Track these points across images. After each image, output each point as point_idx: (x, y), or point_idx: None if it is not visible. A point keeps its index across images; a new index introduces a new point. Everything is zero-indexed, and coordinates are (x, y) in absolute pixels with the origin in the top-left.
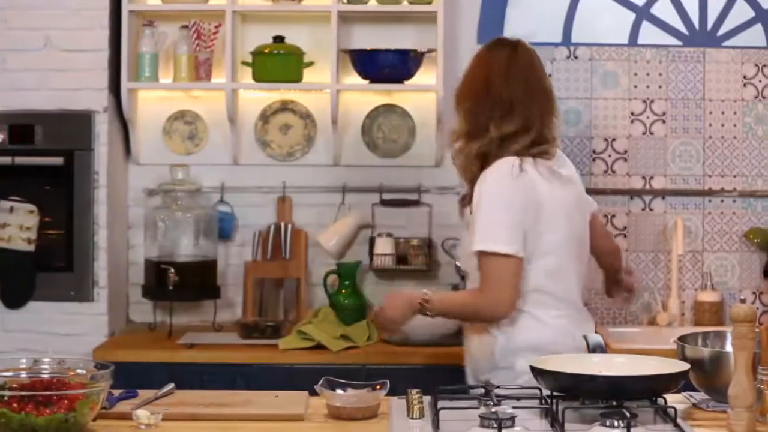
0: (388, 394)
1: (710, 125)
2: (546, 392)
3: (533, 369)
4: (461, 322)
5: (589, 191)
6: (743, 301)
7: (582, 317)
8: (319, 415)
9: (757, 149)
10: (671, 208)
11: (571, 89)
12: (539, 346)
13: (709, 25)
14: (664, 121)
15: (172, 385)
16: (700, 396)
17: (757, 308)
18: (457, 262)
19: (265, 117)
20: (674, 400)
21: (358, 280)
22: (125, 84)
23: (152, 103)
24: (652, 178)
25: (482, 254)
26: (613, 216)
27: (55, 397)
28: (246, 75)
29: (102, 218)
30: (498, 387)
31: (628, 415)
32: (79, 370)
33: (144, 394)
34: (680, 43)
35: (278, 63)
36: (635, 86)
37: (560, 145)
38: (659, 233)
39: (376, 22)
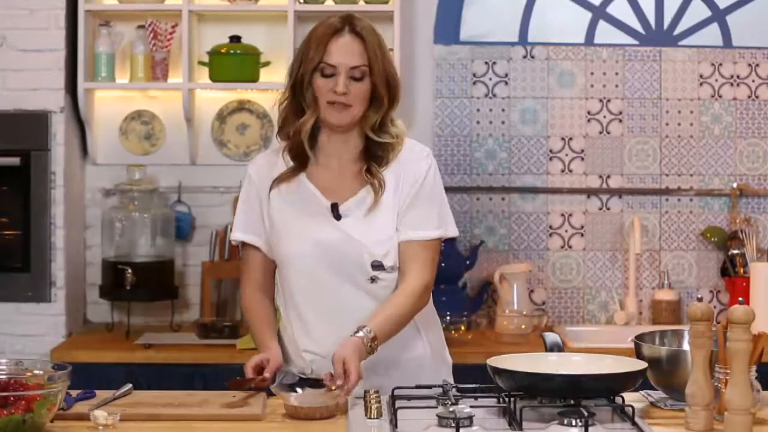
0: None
1: (667, 124)
2: (504, 391)
3: (491, 368)
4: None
5: (547, 190)
6: (700, 299)
7: None
8: (276, 415)
9: (714, 148)
10: (628, 207)
11: (527, 89)
12: None
13: (666, 24)
14: (620, 121)
15: (130, 385)
16: (657, 394)
17: (715, 307)
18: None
19: (221, 117)
20: (632, 398)
21: None
22: (82, 84)
23: (109, 103)
24: (609, 177)
25: (436, 240)
26: (570, 215)
27: (12, 398)
28: (203, 75)
29: (59, 218)
30: (456, 386)
31: (585, 413)
32: (36, 371)
33: (102, 394)
34: (637, 42)
35: (235, 63)
36: (592, 85)
37: None
38: (616, 232)
39: None
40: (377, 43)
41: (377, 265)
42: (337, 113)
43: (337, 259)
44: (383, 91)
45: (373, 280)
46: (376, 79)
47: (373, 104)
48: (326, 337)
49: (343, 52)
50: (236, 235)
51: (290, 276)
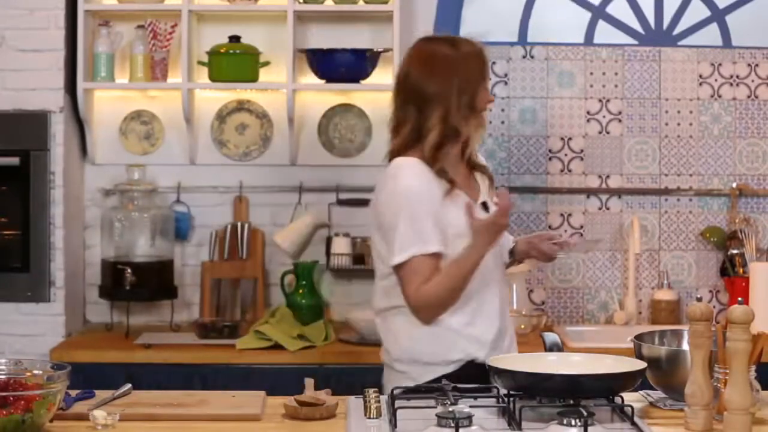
0: (346, 394)
1: (666, 124)
2: (503, 391)
3: (490, 368)
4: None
5: (546, 190)
6: (699, 299)
7: None
8: (276, 415)
9: (713, 148)
10: (627, 207)
11: (527, 89)
12: None
13: (665, 24)
14: (620, 120)
15: (129, 385)
16: (657, 394)
17: (714, 307)
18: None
19: (221, 117)
20: (631, 398)
21: (315, 279)
22: (81, 84)
23: (108, 103)
24: (608, 177)
25: None
26: (570, 215)
27: (11, 398)
28: (202, 75)
29: (58, 218)
30: (455, 386)
31: (585, 413)
32: (35, 371)
33: (101, 394)
34: (636, 42)
35: (234, 63)
36: (591, 85)
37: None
38: (616, 232)
39: (332, 22)
40: None
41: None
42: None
43: (497, 250)
44: None
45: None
46: None
47: None
48: (491, 322)
49: None
50: (436, 247)
51: None
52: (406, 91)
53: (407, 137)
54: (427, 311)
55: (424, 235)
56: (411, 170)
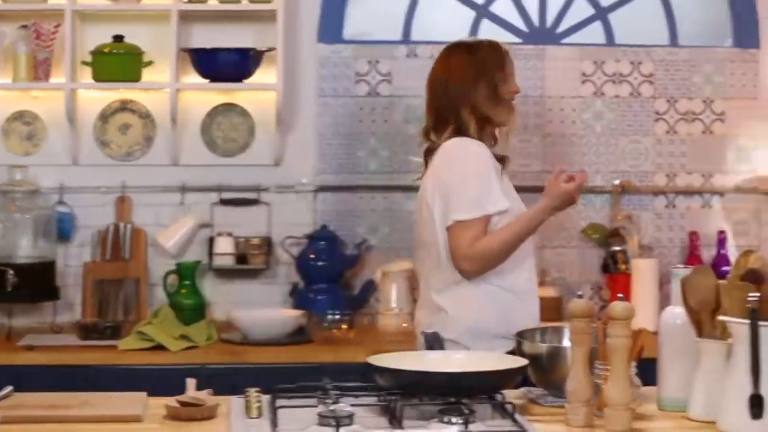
0: (229, 394)
1: (549, 122)
2: (385, 390)
3: (371, 366)
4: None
5: None
6: (580, 296)
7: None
8: (157, 416)
9: (596, 146)
10: None
11: (411, 88)
12: None
13: (549, 22)
14: None
15: (11, 388)
16: (538, 391)
17: (596, 303)
18: None
19: (104, 117)
20: (512, 395)
21: (197, 279)
22: None
23: None
24: None
25: None
26: None
27: None
28: (85, 75)
29: None
30: (337, 385)
31: (466, 411)
32: None
33: None
34: (520, 40)
35: (117, 62)
36: None
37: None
38: None
39: (216, 21)
40: None
41: None
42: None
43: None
44: None
45: None
46: None
47: None
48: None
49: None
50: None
51: None
52: (435, 98)
53: (451, 135)
54: (478, 263)
55: (492, 195)
56: (476, 144)
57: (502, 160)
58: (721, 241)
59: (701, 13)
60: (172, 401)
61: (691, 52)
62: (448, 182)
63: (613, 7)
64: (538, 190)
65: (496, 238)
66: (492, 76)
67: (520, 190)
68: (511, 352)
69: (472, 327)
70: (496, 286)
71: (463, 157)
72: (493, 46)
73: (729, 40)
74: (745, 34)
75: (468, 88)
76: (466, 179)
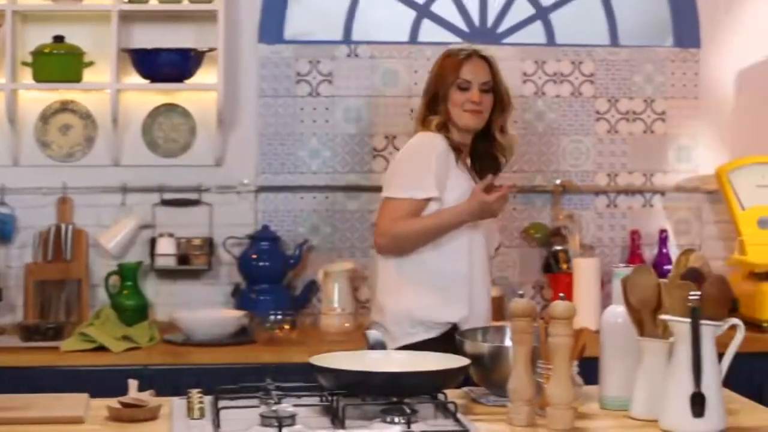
0: (172, 395)
1: None
2: (328, 390)
3: (313, 367)
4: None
5: (371, 188)
6: (521, 296)
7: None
8: (99, 417)
9: (537, 145)
10: None
11: (351, 87)
12: None
13: (490, 22)
14: None
15: None
16: (480, 391)
17: (538, 303)
18: None
19: (45, 117)
20: (455, 395)
21: (139, 280)
22: None
23: None
24: None
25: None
26: None
27: None
28: (26, 75)
29: None
30: (279, 385)
31: (408, 411)
32: None
33: None
34: (461, 40)
35: (58, 63)
36: (416, 84)
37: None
38: None
39: (157, 21)
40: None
41: None
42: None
43: (487, 241)
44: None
45: None
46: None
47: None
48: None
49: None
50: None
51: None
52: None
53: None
54: (392, 242)
55: (423, 182)
56: (431, 135)
57: (457, 149)
58: (663, 240)
59: (642, 12)
60: (114, 402)
61: (631, 52)
62: (390, 166)
63: (553, 7)
64: None
65: (414, 224)
66: (441, 80)
67: None
68: (435, 340)
69: (396, 311)
70: (425, 272)
71: (410, 145)
72: (453, 50)
73: (670, 39)
74: (685, 34)
75: (429, 88)
76: (402, 163)
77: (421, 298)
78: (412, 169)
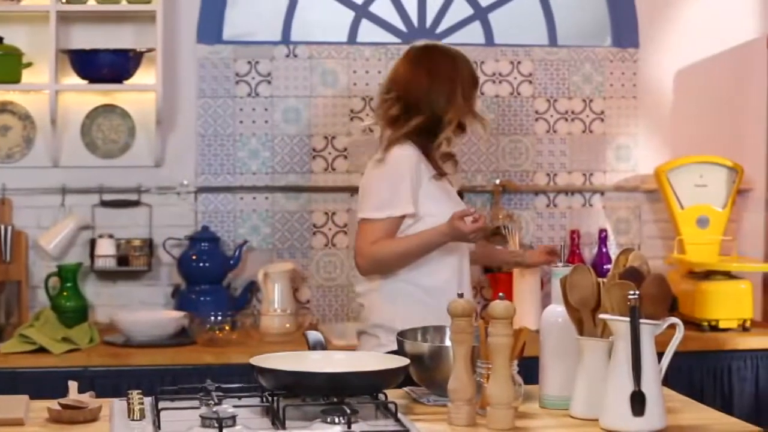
0: (112, 396)
1: None
2: (268, 390)
3: (254, 367)
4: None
5: (310, 189)
6: (461, 295)
7: None
8: (39, 419)
9: (476, 145)
10: None
11: (290, 88)
12: None
13: (428, 22)
14: None
15: None
16: (420, 390)
17: (479, 302)
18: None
19: None
20: (395, 395)
21: (79, 281)
22: None
23: None
24: None
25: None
26: (334, 213)
27: None
28: None
29: None
30: (219, 386)
31: (348, 411)
32: None
33: None
34: (399, 40)
35: None
36: (355, 84)
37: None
38: None
39: (95, 22)
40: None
41: None
42: None
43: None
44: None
45: None
46: None
47: None
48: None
49: None
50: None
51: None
52: None
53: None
54: (371, 264)
55: (399, 199)
56: (402, 147)
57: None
58: (602, 239)
59: (580, 13)
60: (54, 404)
61: (570, 52)
62: (363, 185)
63: (492, 7)
64: None
65: (396, 246)
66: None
67: None
68: None
69: (382, 322)
70: (411, 285)
71: (382, 162)
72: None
73: (608, 39)
74: (624, 34)
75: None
76: (376, 181)
77: (410, 308)
78: (388, 187)
